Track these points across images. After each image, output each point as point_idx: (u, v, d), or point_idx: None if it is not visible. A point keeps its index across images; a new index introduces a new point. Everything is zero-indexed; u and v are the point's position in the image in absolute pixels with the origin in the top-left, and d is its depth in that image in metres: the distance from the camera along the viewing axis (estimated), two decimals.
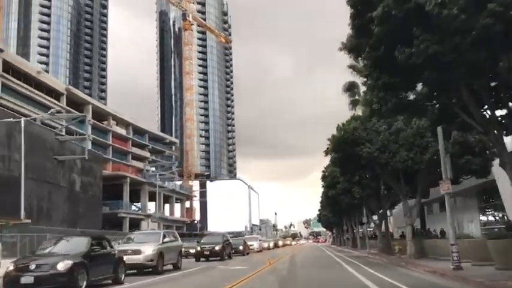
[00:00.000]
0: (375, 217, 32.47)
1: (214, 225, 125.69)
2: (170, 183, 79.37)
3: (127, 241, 18.44)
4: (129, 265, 15.61)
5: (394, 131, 17.51)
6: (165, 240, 18.10)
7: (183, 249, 21.22)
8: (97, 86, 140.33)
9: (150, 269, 16.76)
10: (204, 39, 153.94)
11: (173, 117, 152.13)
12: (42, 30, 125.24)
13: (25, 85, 52.18)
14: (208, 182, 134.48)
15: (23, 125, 27.65)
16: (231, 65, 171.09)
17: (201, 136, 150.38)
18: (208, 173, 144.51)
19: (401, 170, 18.41)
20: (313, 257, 27.84)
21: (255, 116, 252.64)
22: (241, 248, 32.29)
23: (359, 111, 24.38)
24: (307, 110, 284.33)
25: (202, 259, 25.97)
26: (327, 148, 42.71)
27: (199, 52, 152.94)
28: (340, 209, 38.28)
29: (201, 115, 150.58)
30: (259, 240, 42.87)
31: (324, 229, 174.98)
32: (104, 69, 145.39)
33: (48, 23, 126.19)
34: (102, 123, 72.43)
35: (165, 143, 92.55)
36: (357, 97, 25.18)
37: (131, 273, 16.07)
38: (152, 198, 69.93)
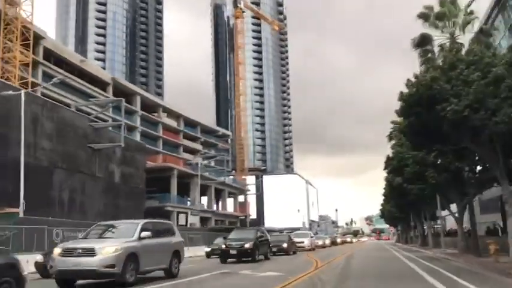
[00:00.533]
0: (453, 209, 26.49)
1: (271, 220, 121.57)
2: (223, 177, 75.90)
3: (86, 236, 12.39)
4: (75, 272, 10.72)
5: (493, 79, 11.93)
6: (144, 235, 11.83)
7: (183, 248, 14.15)
8: (153, 83, 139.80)
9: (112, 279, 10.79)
10: (259, 31, 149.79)
11: (228, 112, 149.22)
12: (98, 27, 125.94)
13: (67, 73, 49.92)
14: (264, 177, 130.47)
15: (23, 100, 24.11)
16: (287, 57, 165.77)
17: (256, 130, 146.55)
18: (264, 168, 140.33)
19: (502, 136, 12.79)
20: (376, 259, 22.22)
21: (313, 110, 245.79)
22: (285, 245, 26.83)
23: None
24: (368, 105, 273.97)
25: (230, 260, 20.49)
26: (391, 132, 37.37)
27: (254, 45, 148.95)
28: (407, 201, 32.49)
29: (256, 109, 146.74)
30: (311, 237, 37.42)
31: (387, 226, 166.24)
32: (160, 65, 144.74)
33: (104, 20, 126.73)
34: (153, 115, 69.89)
35: (218, 135, 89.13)
36: (430, 55, 19.59)
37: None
38: (204, 192, 66.58)
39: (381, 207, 64.89)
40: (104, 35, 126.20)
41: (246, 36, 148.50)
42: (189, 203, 61.28)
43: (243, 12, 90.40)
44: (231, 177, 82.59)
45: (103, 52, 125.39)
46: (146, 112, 67.11)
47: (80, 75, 53.20)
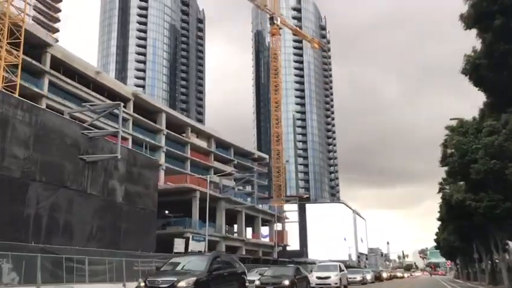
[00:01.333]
0: None
1: (315, 252, 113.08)
2: (260, 205, 69.02)
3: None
4: None
5: None
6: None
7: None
8: (194, 109, 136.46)
9: None
10: (300, 54, 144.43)
11: (268, 137, 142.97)
12: (139, 54, 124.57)
13: (80, 86, 45.34)
14: (307, 205, 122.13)
15: None
16: (331, 81, 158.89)
17: (299, 156, 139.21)
18: (307, 196, 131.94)
19: None
20: None
21: (359, 140, 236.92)
22: (286, 283, 19.58)
23: None
24: (418, 134, 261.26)
25: None
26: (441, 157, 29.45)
27: (296, 68, 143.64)
28: (471, 224, 24.47)
29: (299, 134, 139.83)
30: (342, 271, 28.81)
31: (444, 259, 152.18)
32: (201, 92, 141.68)
33: (145, 47, 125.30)
34: (182, 136, 64.56)
35: (253, 158, 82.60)
36: None
37: None
38: (234, 219, 59.91)
39: (435, 237, 55.55)
40: (144, 62, 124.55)
41: (287, 60, 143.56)
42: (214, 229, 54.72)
43: (280, 29, 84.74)
44: (268, 205, 75.52)
45: (143, 79, 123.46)
46: (173, 132, 61.85)
47: (95, 89, 48.63)
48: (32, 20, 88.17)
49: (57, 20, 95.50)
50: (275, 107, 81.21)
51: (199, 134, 69.30)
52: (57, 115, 30.63)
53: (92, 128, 32.02)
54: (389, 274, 52.77)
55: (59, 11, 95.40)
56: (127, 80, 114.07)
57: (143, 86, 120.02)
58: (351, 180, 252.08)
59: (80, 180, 30.59)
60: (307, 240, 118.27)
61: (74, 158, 30.17)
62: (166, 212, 52.57)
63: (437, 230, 55.41)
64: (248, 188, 78.08)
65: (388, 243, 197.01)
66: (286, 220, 76.94)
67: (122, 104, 31.23)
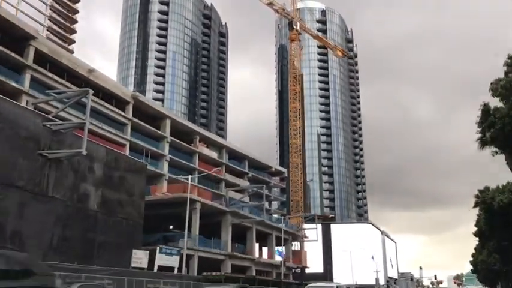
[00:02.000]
0: None
1: (339, 275, 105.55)
2: (275, 221, 63.08)
3: None
4: None
5: None
6: None
7: None
8: (215, 124, 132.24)
9: None
10: (325, 68, 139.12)
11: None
12: (158, 67, 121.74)
13: (66, 82, 41.06)
14: (332, 225, 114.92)
15: None
16: (358, 98, 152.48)
17: (323, 174, 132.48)
18: (332, 215, 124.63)
19: None
20: None
21: (389, 161, 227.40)
22: None
23: None
24: (451, 156, 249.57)
25: None
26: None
27: (320, 82, 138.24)
28: None
29: (323, 150, 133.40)
30: None
31: (481, 286, 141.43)
32: (223, 107, 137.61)
33: (164, 60, 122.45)
34: (190, 146, 59.66)
35: (270, 172, 76.83)
36: None
37: None
38: (245, 236, 54.18)
39: (471, 259, 48.15)
40: (163, 75, 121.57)
41: (312, 73, 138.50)
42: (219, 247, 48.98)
43: (299, 34, 79.71)
44: (285, 222, 69.30)
45: (162, 92, 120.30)
46: (180, 140, 57.01)
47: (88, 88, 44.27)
48: (47, 30, 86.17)
49: (74, 31, 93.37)
50: (294, 116, 75.64)
51: (210, 143, 64.30)
52: (12, 102, 26.03)
53: (57, 120, 27.24)
54: None
55: (75, 22, 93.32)
56: (146, 93, 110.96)
57: (162, 100, 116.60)
58: (380, 204, 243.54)
59: (37, 180, 25.74)
60: (332, 262, 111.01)
61: (31, 154, 25.41)
62: (171, 227, 47.40)
63: (473, 251, 48.23)
64: (266, 205, 72.33)
65: (421, 268, 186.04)
66: (304, 239, 70.43)
67: (91, 92, 26.33)
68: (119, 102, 48.18)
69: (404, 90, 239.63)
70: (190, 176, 40.59)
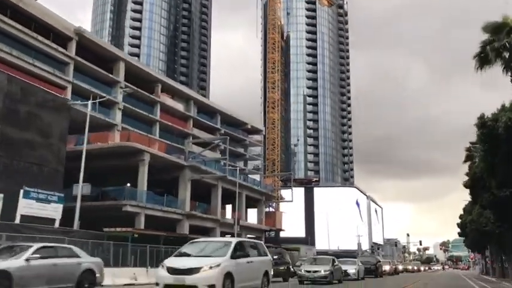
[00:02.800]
0: None
1: (322, 240, 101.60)
2: (248, 180, 57.38)
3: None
4: None
5: None
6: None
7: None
8: (196, 83, 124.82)
9: None
10: (314, 25, 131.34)
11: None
12: (134, 20, 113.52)
13: None
14: (316, 189, 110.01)
15: None
16: (348, 58, 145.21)
17: (309, 137, 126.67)
18: (317, 179, 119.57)
19: None
20: None
21: (383, 131, 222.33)
22: None
23: None
24: (444, 126, 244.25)
25: None
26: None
27: (308, 40, 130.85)
28: None
29: (309, 111, 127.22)
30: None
31: (467, 252, 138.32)
32: (205, 65, 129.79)
33: (141, 12, 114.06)
34: (152, 96, 53.01)
35: (246, 129, 70.51)
36: None
37: None
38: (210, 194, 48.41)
39: (459, 220, 42.67)
40: (139, 29, 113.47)
41: (299, 31, 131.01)
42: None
43: None
44: (257, 183, 63.61)
45: (138, 47, 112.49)
46: (139, 88, 50.30)
47: (17, 19, 37.29)
48: None
49: None
50: (272, 68, 68.86)
51: (176, 94, 57.69)
52: None
53: None
54: (394, 267, 39.83)
55: None
56: (122, 48, 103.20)
57: (137, 55, 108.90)
58: (373, 172, 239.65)
59: None
60: (314, 226, 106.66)
61: None
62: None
63: (463, 208, 42.79)
64: (241, 164, 66.43)
65: (408, 235, 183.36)
66: (280, 200, 64.96)
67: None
68: (59, 38, 41.22)
69: (398, 59, 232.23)
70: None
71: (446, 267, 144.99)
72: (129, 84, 47.78)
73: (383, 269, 34.96)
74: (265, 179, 64.33)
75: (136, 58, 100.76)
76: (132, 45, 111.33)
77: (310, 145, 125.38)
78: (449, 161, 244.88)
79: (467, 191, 29.80)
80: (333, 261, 23.57)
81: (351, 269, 25.21)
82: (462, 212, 41.79)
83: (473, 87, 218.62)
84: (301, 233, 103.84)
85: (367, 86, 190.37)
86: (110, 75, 46.45)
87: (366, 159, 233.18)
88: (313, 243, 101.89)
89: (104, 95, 44.21)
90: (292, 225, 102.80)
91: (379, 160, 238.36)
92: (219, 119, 64.29)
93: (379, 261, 30.61)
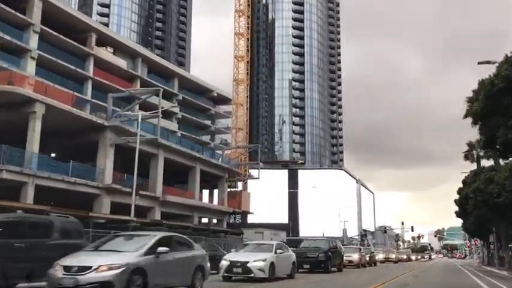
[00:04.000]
0: None
1: (307, 226, 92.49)
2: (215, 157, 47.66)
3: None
4: None
5: None
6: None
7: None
8: (174, 58, 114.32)
9: None
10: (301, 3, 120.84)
11: (258, 89, 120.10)
12: None
13: None
14: (300, 171, 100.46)
15: None
16: (339, 41, 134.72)
17: (295, 115, 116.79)
18: (302, 162, 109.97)
19: None
20: None
21: (376, 120, 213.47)
22: None
23: None
24: (437, 114, 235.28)
25: None
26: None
27: (295, 20, 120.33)
28: None
29: (295, 98, 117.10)
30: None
31: (462, 241, 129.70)
32: (183, 39, 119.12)
33: None
34: (83, 48, 42.88)
35: (212, 98, 60.56)
36: None
37: None
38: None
39: (457, 196, 33.04)
40: None
41: (285, 17, 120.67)
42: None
43: None
44: (218, 156, 53.78)
45: (107, 16, 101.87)
46: (66, 37, 40.23)
47: None
48: None
49: None
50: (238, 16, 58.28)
51: (118, 48, 47.59)
52: None
53: None
54: (367, 256, 30.24)
55: None
56: (92, 15, 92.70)
57: (107, 24, 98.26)
58: (367, 161, 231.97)
59: None
60: (298, 212, 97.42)
61: None
62: None
63: (458, 191, 33.22)
64: (207, 138, 56.74)
65: (402, 223, 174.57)
66: (245, 178, 55.14)
67: None
68: None
69: (393, 47, 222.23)
70: None
71: (441, 255, 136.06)
72: (49, 30, 37.75)
73: (349, 259, 25.53)
74: (230, 152, 54.52)
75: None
76: (101, 14, 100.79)
77: (296, 125, 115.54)
78: (444, 150, 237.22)
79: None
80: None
81: (257, 263, 14.59)
82: (461, 185, 32.35)
83: (468, 74, 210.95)
84: (283, 219, 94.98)
85: (362, 73, 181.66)
86: (21, 16, 36.28)
87: (359, 148, 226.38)
88: (296, 230, 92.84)
89: (9, 38, 34.34)
90: (274, 211, 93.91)
91: (372, 149, 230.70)
92: (176, 82, 54.30)
93: (336, 248, 21.06)
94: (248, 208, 54.03)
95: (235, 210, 50.54)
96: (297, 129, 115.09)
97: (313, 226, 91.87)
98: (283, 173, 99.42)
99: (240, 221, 56.04)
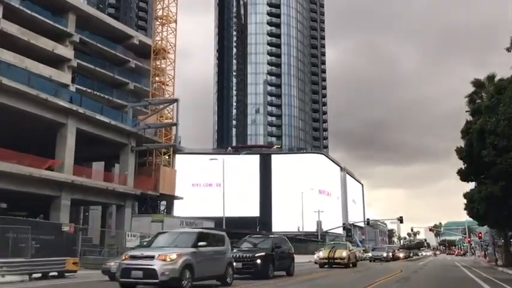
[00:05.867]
0: None
1: (281, 219, 78.30)
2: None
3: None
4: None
5: None
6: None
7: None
8: (134, 23, 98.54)
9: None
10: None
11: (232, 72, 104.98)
12: None
13: None
14: (273, 156, 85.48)
15: None
16: (323, 31, 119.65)
17: (270, 94, 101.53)
18: (278, 146, 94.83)
19: None
20: None
21: (370, 116, 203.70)
22: None
23: None
24: (432, 110, 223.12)
25: None
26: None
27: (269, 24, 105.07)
28: None
29: (271, 63, 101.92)
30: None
31: (460, 236, 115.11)
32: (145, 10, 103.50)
33: None
34: None
35: (129, 46, 45.02)
36: None
37: None
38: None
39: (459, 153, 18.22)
40: None
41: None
42: None
43: None
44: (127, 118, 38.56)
45: None
46: None
47: None
48: None
49: None
50: None
51: None
52: None
53: None
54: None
55: None
56: None
57: None
58: (365, 158, 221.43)
59: None
60: (272, 203, 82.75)
61: None
62: None
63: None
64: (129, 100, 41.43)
65: (400, 219, 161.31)
66: (160, 145, 39.51)
67: None
68: None
69: (387, 41, 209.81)
70: None
71: (438, 252, 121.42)
72: None
73: None
74: (150, 119, 39.12)
75: None
76: None
77: (272, 106, 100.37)
78: (439, 146, 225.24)
79: None
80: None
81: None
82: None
83: (465, 68, 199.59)
84: (254, 211, 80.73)
85: (358, 71, 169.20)
86: None
87: (355, 145, 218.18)
88: (269, 224, 78.01)
89: None
90: (243, 203, 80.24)
91: (368, 146, 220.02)
92: (73, 20, 38.96)
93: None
94: (172, 191, 38.64)
95: (145, 192, 35.23)
96: (273, 109, 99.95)
97: (289, 219, 77.66)
98: (255, 159, 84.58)
99: (165, 208, 40.60)
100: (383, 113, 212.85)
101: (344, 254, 24.06)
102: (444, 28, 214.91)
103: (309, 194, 77.55)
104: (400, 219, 57.86)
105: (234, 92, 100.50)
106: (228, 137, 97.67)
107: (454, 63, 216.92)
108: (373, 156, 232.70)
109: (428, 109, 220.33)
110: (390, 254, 37.06)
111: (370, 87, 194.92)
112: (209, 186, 74.63)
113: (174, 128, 39.94)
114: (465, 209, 28.02)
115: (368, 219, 72.61)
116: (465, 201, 27.38)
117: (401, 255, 48.55)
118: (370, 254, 31.52)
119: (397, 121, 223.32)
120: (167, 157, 39.35)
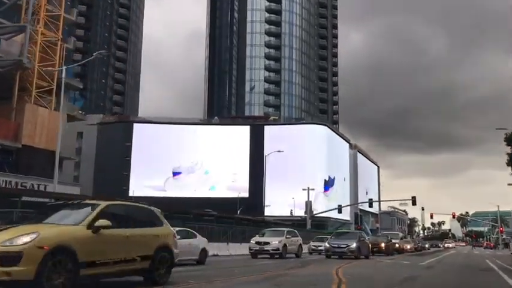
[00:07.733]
0: None
1: (274, 201, 64.84)
2: None
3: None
4: None
5: None
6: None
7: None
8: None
9: None
10: None
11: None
12: None
13: None
14: (266, 127, 71.80)
15: None
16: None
17: (267, 58, 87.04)
18: (276, 118, 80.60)
19: None
20: None
21: (397, 103, 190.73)
22: None
23: None
24: (462, 97, 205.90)
25: None
26: None
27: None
28: None
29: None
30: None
31: (488, 227, 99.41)
32: None
33: None
34: None
35: None
36: None
37: None
38: None
39: None
40: None
41: None
42: None
43: None
44: None
45: None
46: None
47: None
48: None
49: None
50: None
51: None
52: None
53: None
54: None
55: None
56: None
57: None
58: (390, 146, 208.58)
59: None
60: (264, 182, 68.83)
61: None
62: None
63: None
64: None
65: (422, 208, 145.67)
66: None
67: None
68: None
69: (416, 25, 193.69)
70: None
71: (462, 244, 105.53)
72: None
73: None
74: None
75: None
76: None
77: (269, 71, 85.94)
78: (468, 134, 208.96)
79: None
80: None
81: None
82: None
83: (496, 54, 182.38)
84: (243, 191, 68.46)
85: (385, 56, 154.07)
86: None
87: (386, 133, 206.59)
88: (260, 206, 64.65)
89: None
90: (231, 182, 68.54)
91: (392, 134, 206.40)
92: None
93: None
94: (52, 144, 25.08)
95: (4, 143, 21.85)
96: (271, 75, 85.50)
97: (283, 202, 65.08)
98: (245, 130, 71.02)
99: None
100: (408, 101, 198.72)
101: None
102: (475, 12, 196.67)
103: (307, 173, 64.27)
104: (413, 200, 43.68)
105: (228, 55, 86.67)
106: (219, 107, 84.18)
107: (484, 48, 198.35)
108: (397, 144, 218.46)
109: (456, 97, 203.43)
110: (367, 244, 20.85)
111: (396, 74, 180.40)
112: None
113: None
114: None
115: (371, 199, 58.07)
116: None
117: (408, 246, 34.26)
118: (326, 244, 17.80)
119: (423, 109, 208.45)
120: (52, 98, 25.85)
